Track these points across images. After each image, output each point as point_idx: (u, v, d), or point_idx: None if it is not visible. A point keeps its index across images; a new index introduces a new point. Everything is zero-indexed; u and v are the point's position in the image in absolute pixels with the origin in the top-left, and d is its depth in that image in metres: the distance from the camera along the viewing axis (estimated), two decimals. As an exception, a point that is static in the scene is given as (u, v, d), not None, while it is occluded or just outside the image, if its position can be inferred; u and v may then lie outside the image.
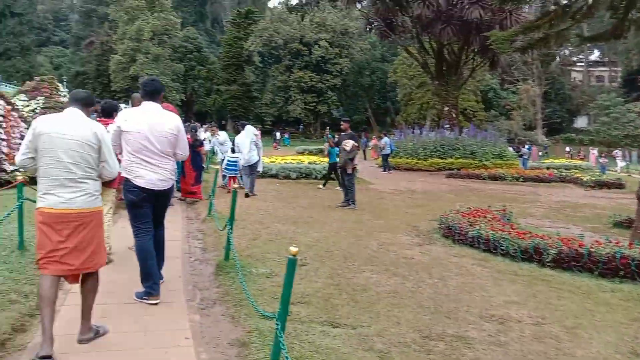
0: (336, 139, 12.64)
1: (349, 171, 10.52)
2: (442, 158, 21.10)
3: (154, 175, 4.26)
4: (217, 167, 13.45)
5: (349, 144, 10.41)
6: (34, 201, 5.82)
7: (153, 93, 4.40)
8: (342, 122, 11.42)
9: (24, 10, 59.86)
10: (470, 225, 7.58)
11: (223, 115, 62.25)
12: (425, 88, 43.05)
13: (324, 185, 13.96)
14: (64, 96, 14.25)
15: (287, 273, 2.86)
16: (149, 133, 4.23)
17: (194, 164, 9.84)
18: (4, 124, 9.94)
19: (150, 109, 4.35)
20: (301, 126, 59.75)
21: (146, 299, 4.31)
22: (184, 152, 4.54)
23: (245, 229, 7.44)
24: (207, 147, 14.05)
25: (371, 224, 8.78)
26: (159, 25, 51.79)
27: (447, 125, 25.04)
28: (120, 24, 53.49)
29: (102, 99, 10.03)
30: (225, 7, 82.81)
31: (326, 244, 6.96)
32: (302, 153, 26.56)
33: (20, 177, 5.42)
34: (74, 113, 3.41)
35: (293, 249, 2.88)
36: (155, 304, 4.29)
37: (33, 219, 6.61)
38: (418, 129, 25.20)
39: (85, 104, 3.53)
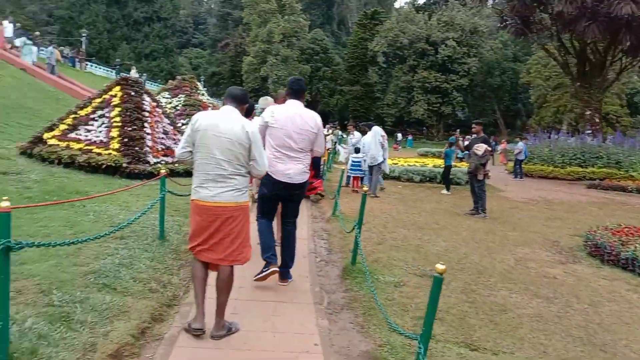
0: (466, 142, 11.95)
1: (480, 177, 9.88)
2: (582, 166, 19.20)
3: (291, 169, 4.46)
4: (342, 167, 13.41)
5: (481, 148, 9.77)
6: (175, 194, 6.22)
7: (298, 92, 4.67)
8: (473, 125, 10.77)
9: (168, 15, 65.35)
10: (623, 244, 6.72)
11: (345, 116, 62.87)
12: (563, 90, 39.91)
13: (447, 189, 13.31)
14: (202, 94, 15.17)
15: (432, 292, 2.59)
16: (292, 129, 4.45)
17: (313, 159, 9.84)
18: (149, 119, 10.72)
19: (295, 106, 4.57)
20: (424, 128, 58.43)
21: (265, 270, 4.54)
22: (320, 149, 4.77)
23: (369, 232, 7.24)
24: (328, 145, 14.12)
25: (505, 236, 8.13)
26: (289, 28, 53.66)
27: (589, 131, 22.83)
28: (253, 26, 56.19)
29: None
30: (351, 9, 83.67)
31: (456, 255, 6.52)
32: (424, 155, 25.81)
33: (163, 171, 5.67)
34: (229, 111, 3.53)
35: (440, 267, 2.60)
36: (275, 271, 4.57)
37: (173, 210, 7.08)
38: (555, 133, 23.23)
39: (240, 102, 3.64)
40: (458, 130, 27.95)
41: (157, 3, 62.99)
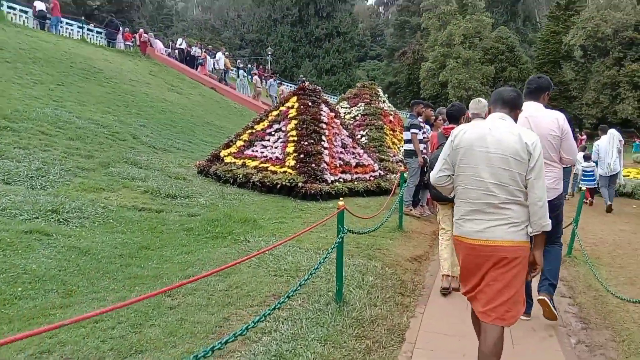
0: None
1: None
2: None
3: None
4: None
5: None
6: (357, 232, 4.70)
7: (536, 91, 4.17)
8: None
9: (347, 29, 66.53)
10: None
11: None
12: None
13: None
14: (384, 101, 13.71)
15: None
16: None
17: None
18: (326, 132, 9.52)
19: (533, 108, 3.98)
20: (633, 129, 49.80)
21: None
22: (571, 155, 3.98)
23: (614, 264, 4.86)
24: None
25: None
26: (470, 28, 50.67)
27: None
28: (431, 31, 54.34)
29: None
30: (539, 3, 76.61)
31: None
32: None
33: (341, 203, 4.13)
34: (499, 119, 2.85)
35: None
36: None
37: (354, 247, 5.58)
38: None
39: (513, 106, 2.93)
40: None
41: (336, 18, 64.60)
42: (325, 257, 3.52)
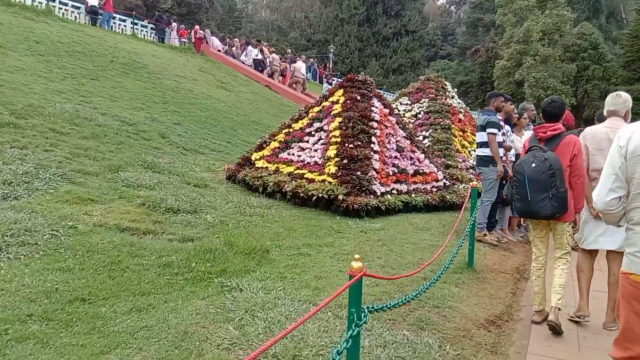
0: None
1: None
2: None
3: None
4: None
5: None
6: (387, 308, 2.76)
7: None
8: None
9: (416, 27, 64.12)
10: None
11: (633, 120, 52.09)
12: None
13: None
14: (452, 97, 11.66)
15: None
16: None
17: None
18: (377, 132, 7.70)
19: None
20: None
21: None
22: None
23: None
24: None
25: None
26: (550, 23, 47.03)
27: None
28: (507, 27, 51.07)
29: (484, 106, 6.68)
30: (627, -3, 70.74)
31: None
32: None
33: (357, 265, 2.32)
34: None
35: None
36: None
37: (392, 318, 3.06)
38: None
39: None
40: None
41: (405, 17, 62.47)
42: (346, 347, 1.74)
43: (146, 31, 22.28)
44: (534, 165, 3.64)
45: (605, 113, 4.07)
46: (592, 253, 4.05)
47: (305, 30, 68.50)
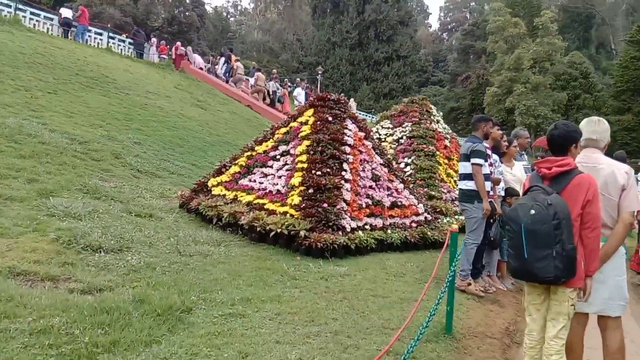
0: None
1: None
2: None
3: None
4: None
5: None
6: None
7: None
8: None
9: (408, 53, 63.99)
10: None
11: (612, 150, 51.65)
12: None
13: None
14: (437, 121, 10.78)
15: None
16: None
17: None
18: (350, 157, 6.76)
19: None
20: None
21: None
22: None
23: None
24: None
25: None
26: (541, 51, 47.04)
27: None
28: (498, 54, 51.08)
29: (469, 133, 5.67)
30: (616, 28, 71.53)
31: None
32: None
33: None
34: None
35: None
36: None
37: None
38: None
39: None
40: None
41: (397, 42, 62.45)
42: None
43: (123, 46, 21.40)
44: (533, 212, 2.67)
45: (582, 142, 3.16)
46: (580, 320, 3.11)
47: (297, 53, 68.30)
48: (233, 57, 24.01)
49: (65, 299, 3.53)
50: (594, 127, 3.16)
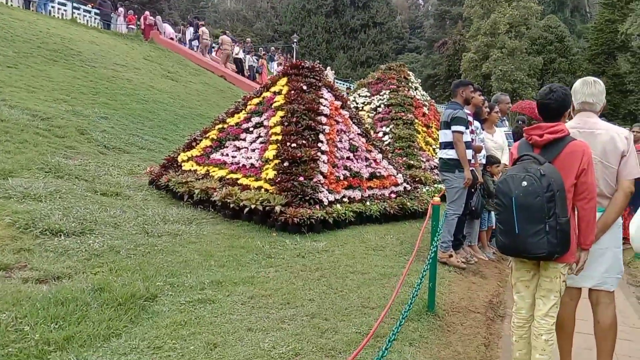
0: None
1: None
2: None
3: None
4: None
5: None
6: None
7: None
8: None
9: (384, 19, 63.28)
10: None
11: (587, 115, 52.42)
12: None
13: None
14: (415, 88, 10.52)
15: None
16: None
17: None
18: (327, 128, 6.48)
19: None
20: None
21: None
22: None
23: None
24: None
25: None
26: (517, 15, 46.85)
27: None
28: (474, 19, 50.79)
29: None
30: (591, -9, 71.60)
31: None
32: None
33: None
34: None
35: None
36: None
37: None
38: None
39: None
40: None
41: (373, 8, 61.64)
42: None
43: (89, 16, 20.45)
44: (525, 183, 2.44)
45: (577, 106, 2.94)
46: (572, 295, 2.95)
47: (272, 21, 66.89)
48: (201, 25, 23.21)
49: (17, 290, 3.25)
50: (591, 89, 2.90)
